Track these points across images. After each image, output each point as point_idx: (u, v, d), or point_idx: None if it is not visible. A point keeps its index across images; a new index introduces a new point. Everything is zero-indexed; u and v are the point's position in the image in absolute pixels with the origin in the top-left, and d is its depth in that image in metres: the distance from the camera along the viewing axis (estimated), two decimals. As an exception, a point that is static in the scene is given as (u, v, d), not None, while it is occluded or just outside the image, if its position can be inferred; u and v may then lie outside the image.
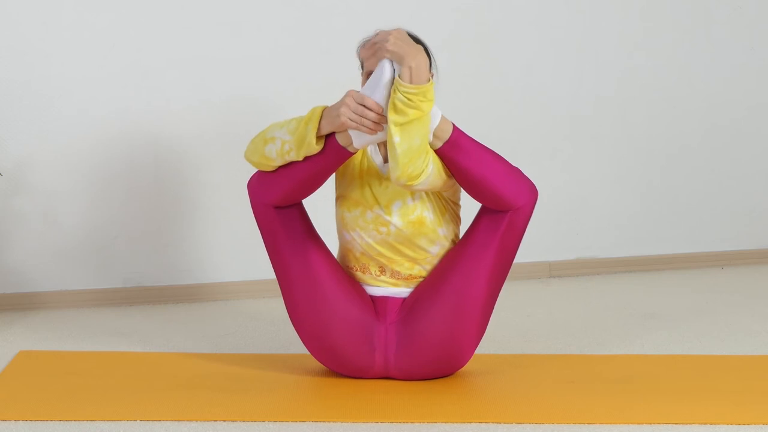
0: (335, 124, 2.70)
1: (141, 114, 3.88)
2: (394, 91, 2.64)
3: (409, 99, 2.62)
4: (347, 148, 2.74)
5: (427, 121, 2.67)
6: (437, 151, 2.75)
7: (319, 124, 2.72)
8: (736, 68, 4.47)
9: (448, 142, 2.74)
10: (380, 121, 2.67)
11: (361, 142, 2.72)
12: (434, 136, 2.72)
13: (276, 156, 2.78)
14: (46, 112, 3.82)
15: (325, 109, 2.73)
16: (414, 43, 2.68)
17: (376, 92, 2.67)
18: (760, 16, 4.46)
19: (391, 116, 2.64)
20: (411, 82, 2.63)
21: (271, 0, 3.96)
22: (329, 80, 3.87)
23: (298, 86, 3.98)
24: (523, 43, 4.24)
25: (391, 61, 2.67)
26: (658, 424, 2.57)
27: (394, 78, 2.66)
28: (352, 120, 2.67)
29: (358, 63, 2.92)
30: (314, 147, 2.73)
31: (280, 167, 2.81)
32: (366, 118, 2.66)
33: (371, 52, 2.72)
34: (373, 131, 2.68)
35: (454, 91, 3.99)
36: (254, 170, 2.94)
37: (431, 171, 2.71)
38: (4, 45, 3.77)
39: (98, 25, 3.83)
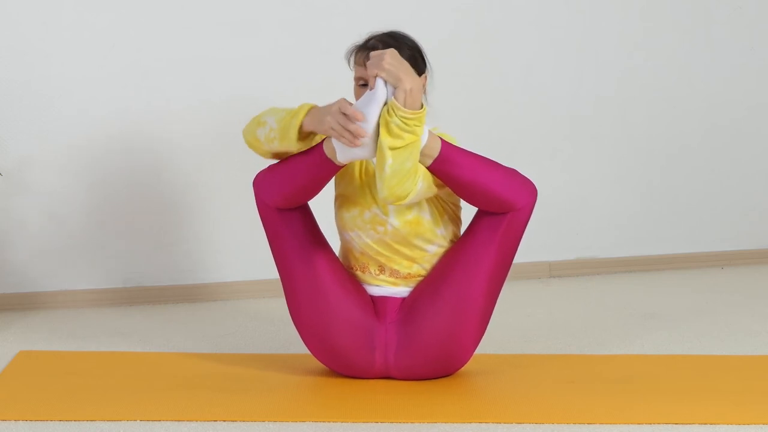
0: (317, 125, 2.70)
1: (141, 114, 3.88)
2: (390, 114, 2.62)
3: (405, 123, 2.62)
4: (333, 160, 2.73)
5: (419, 145, 2.66)
6: (429, 168, 2.74)
7: (303, 120, 2.72)
8: (736, 68, 4.47)
9: (438, 159, 2.72)
10: (358, 135, 2.65)
11: (344, 156, 2.71)
12: (423, 154, 2.70)
13: (264, 140, 2.79)
14: (46, 112, 3.82)
15: (313, 107, 2.73)
16: (409, 66, 2.67)
17: (366, 109, 2.66)
18: (760, 16, 4.46)
19: (386, 140, 2.62)
20: (405, 105, 2.62)
21: (271, 0, 3.96)
22: (329, 80, 3.86)
23: (298, 86, 3.98)
24: (523, 43, 4.24)
25: (385, 82, 2.66)
26: (658, 424, 2.57)
27: (386, 99, 2.66)
28: (333, 128, 2.66)
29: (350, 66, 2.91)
30: (294, 142, 2.73)
31: (278, 173, 2.82)
32: (346, 129, 2.66)
33: (367, 66, 2.70)
34: (351, 144, 2.66)
35: (454, 91, 3.99)
36: (258, 168, 2.93)
37: (419, 189, 2.71)
38: (4, 45, 3.77)
39: (98, 25, 3.83)
